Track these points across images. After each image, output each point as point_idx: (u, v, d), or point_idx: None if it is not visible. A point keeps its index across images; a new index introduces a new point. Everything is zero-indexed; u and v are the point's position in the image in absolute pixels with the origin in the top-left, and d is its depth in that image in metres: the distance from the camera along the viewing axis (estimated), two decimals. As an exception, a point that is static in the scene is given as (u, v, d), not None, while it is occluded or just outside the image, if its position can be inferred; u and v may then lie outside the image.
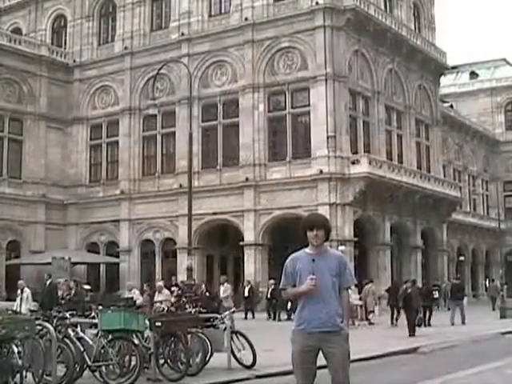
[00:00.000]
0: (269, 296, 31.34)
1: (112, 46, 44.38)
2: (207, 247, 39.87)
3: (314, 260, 5.77)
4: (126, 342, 10.79)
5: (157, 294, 18.84)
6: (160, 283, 19.24)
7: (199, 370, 11.72)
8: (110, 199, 42.37)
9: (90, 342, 10.73)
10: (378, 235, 38.73)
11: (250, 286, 32.83)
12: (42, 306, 19.21)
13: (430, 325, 25.44)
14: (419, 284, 32.89)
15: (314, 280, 5.65)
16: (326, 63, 36.22)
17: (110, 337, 10.75)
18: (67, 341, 10.36)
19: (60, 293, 21.17)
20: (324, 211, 32.07)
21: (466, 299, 28.89)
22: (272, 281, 32.24)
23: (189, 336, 11.73)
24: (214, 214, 38.05)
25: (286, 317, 28.39)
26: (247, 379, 11.52)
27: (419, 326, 21.31)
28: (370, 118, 39.90)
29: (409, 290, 21.96)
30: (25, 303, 20.69)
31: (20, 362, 9.16)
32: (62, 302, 19.17)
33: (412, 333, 20.18)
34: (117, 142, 43.24)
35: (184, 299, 23.18)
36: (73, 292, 20.92)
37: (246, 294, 32.41)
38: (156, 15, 43.43)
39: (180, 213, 37.02)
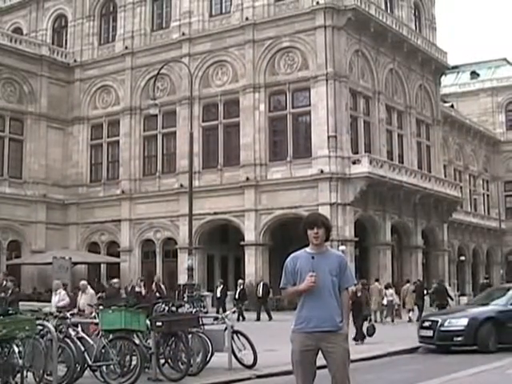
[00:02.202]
0: (237, 296, 30.71)
1: (113, 45, 44.38)
2: (208, 247, 39.88)
3: (313, 257, 5.79)
4: (126, 342, 10.80)
5: (80, 293, 17.67)
6: (83, 282, 17.96)
7: (200, 369, 11.72)
8: (111, 199, 42.39)
9: (91, 342, 10.74)
10: (378, 235, 38.74)
11: (222, 286, 32.42)
12: None
13: None
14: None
15: (314, 277, 5.67)
16: (327, 63, 36.23)
17: (111, 337, 10.76)
18: (68, 340, 10.37)
19: None
20: (325, 211, 32.05)
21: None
22: (240, 281, 32.04)
23: (189, 336, 11.74)
24: (215, 213, 38.07)
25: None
26: (248, 379, 11.52)
27: (370, 335, 17.97)
28: (370, 117, 39.91)
29: (359, 294, 18.49)
30: None
31: (21, 361, 9.16)
32: None
33: (360, 340, 17.64)
34: (117, 142, 43.26)
35: (185, 299, 23.14)
36: (9, 292, 19.99)
37: (219, 294, 31.82)
38: (157, 15, 43.43)
39: (181, 212, 37.04)
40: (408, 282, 32.36)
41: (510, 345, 14.92)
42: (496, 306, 15.97)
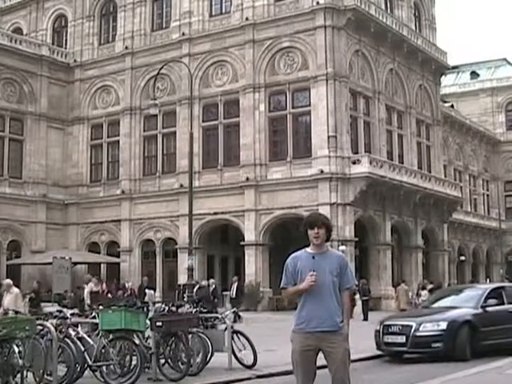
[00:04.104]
0: (234, 295, 29.57)
1: (113, 45, 44.37)
2: (208, 247, 39.87)
3: (314, 257, 5.80)
4: (126, 342, 10.80)
5: (5, 293, 16.42)
6: (7, 281, 16.82)
7: (200, 369, 11.73)
8: (111, 199, 42.38)
9: (91, 342, 10.74)
10: (378, 235, 38.72)
11: (198, 286, 31.60)
12: None
13: None
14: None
15: (314, 276, 5.67)
16: (327, 63, 36.23)
17: (111, 337, 10.76)
18: (68, 341, 10.38)
19: None
20: (325, 211, 32.01)
21: None
22: (212, 280, 31.35)
23: (189, 336, 11.74)
24: (215, 213, 38.06)
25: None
26: (248, 379, 11.53)
27: None
28: (370, 117, 39.91)
29: None
30: None
31: (21, 361, 9.18)
32: None
33: None
34: (117, 142, 43.24)
35: (185, 299, 23.06)
36: None
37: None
38: (157, 15, 43.42)
39: (181, 212, 37.03)
40: (432, 282, 32.70)
41: (481, 350, 13.54)
42: (468, 308, 14.28)
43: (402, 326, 13.94)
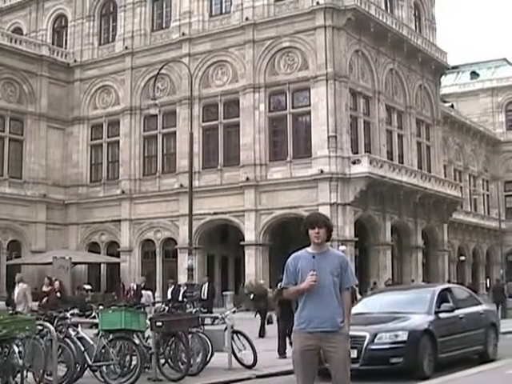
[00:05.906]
0: (169, 296, 27.09)
1: (113, 45, 44.35)
2: (208, 247, 39.87)
3: (314, 257, 5.80)
4: (126, 342, 10.80)
5: None
6: None
7: (200, 369, 11.74)
8: (111, 199, 42.36)
9: (91, 342, 10.74)
10: (378, 235, 38.73)
11: (173, 286, 28.29)
12: None
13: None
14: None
15: (315, 276, 5.67)
16: (327, 63, 36.23)
17: (111, 337, 10.77)
18: (68, 341, 10.39)
19: None
20: (325, 211, 31.98)
21: None
22: (172, 280, 30.35)
23: (189, 336, 11.74)
24: (215, 213, 38.06)
25: None
26: (248, 379, 11.53)
27: None
28: (370, 117, 39.91)
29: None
30: None
31: (21, 361, 9.18)
32: None
33: (282, 354, 14.05)
34: (117, 142, 43.23)
35: (185, 299, 23.02)
36: None
37: (169, 295, 27.42)
38: (157, 15, 43.41)
39: (181, 213, 37.02)
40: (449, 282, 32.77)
41: (439, 364, 11.63)
42: (422, 314, 11.99)
43: (352, 337, 11.47)
